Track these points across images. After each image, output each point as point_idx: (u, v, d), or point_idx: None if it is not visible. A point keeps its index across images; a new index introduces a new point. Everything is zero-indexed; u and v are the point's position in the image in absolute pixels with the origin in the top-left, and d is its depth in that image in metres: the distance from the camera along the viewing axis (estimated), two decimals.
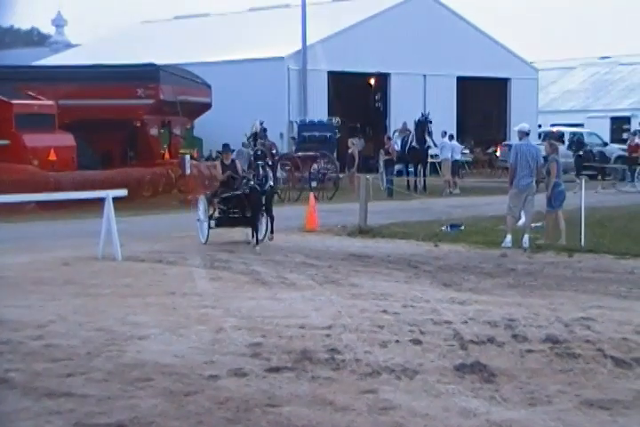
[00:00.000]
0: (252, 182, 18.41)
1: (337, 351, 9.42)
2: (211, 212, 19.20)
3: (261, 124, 35.79)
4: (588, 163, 37.98)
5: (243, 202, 18.81)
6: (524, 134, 18.88)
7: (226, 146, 20.56)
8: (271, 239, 18.89)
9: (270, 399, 7.87)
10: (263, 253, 17.48)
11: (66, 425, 7.25)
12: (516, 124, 47.29)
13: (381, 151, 39.03)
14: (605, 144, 43.89)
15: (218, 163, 20.58)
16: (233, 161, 20.05)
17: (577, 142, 40.15)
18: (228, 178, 19.37)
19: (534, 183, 18.35)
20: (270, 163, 31.47)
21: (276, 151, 34.73)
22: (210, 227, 18.91)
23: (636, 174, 34.43)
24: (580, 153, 38.07)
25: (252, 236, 18.30)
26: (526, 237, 17.98)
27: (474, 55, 47.74)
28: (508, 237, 18.08)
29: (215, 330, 10.57)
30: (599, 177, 38.19)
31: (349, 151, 35.08)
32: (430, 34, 46.32)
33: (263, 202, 18.35)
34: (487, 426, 7.10)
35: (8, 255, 16.94)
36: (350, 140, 36.12)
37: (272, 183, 19.24)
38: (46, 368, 8.97)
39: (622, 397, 7.88)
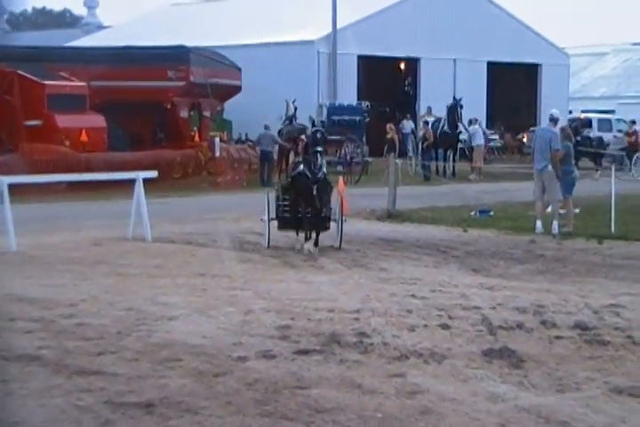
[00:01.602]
0: (302, 168, 15.50)
1: (365, 335, 9.43)
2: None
3: (294, 103, 35.77)
4: (585, 149, 36.88)
5: (291, 194, 16.22)
6: (551, 120, 18.85)
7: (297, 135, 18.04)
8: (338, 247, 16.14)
9: (299, 381, 7.89)
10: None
11: (97, 403, 7.30)
12: (547, 110, 47.15)
13: (410, 136, 38.99)
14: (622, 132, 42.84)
15: (291, 155, 17.91)
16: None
17: (574, 129, 39.07)
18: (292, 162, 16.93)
19: (550, 168, 18.26)
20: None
21: (306, 135, 34.62)
22: (270, 229, 16.25)
23: (633, 162, 33.81)
24: (578, 139, 37.24)
25: (307, 237, 15.56)
26: (555, 223, 17.91)
27: (504, 40, 47.47)
28: (539, 223, 18.03)
29: (244, 312, 10.61)
30: (601, 164, 37.36)
31: (388, 136, 34.83)
32: (460, 18, 46.09)
33: (314, 192, 15.39)
34: (515, 411, 7.09)
35: (40, 235, 17.07)
36: (388, 126, 35.90)
37: (325, 171, 15.75)
38: (77, 346, 9.05)
39: None
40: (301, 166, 15.50)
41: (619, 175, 33.53)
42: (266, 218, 16.12)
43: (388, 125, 36.00)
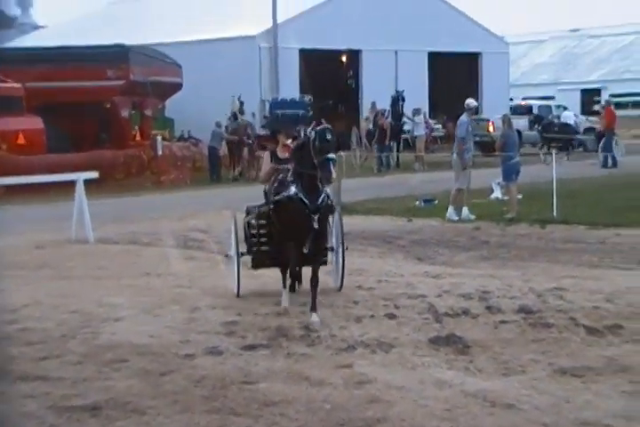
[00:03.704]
0: (294, 190, 10.04)
1: (311, 328, 9.44)
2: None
3: (239, 99, 35.90)
4: (549, 135, 37.22)
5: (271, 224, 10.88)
6: (467, 110, 19.13)
7: (279, 128, 12.42)
8: (338, 289, 11.28)
9: (246, 377, 7.90)
10: None
11: (41, 408, 7.25)
12: (489, 98, 47.76)
13: (354, 129, 39.07)
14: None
15: (266, 155, 11.49)
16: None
17: (536, 116, 39.57)
18: (276, 178, 10.69)
19: (455, 156, 18.91)
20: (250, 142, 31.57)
21: (253, 130, 34.54)
22: (240, 268, 11.28)
23: (614, 144, 33.99)
24: (539, 127, 37.66)
25: (290, 286, 10.94)
26: (450, 208, 18.48)
27: (444, 30, 47.64)
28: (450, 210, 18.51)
29: (190, 309, 10.57)
30: (569, 149, 37.83)
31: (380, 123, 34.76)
32: (400, 9, 46.15)
33: (315, 225, 10.00)
34: (462, 397, 7.15)
35: None
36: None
37: (330, 196, 10.45)
38: (21, 352, 8.96)
39: (594, 364, 7.97)
40: (293, 188, 10.02)
41: (589, 160, 33.90)
42: (233, 253, 11.42)
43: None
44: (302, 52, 43.74)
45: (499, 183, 20.74)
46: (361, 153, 34.99)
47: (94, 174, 17.83)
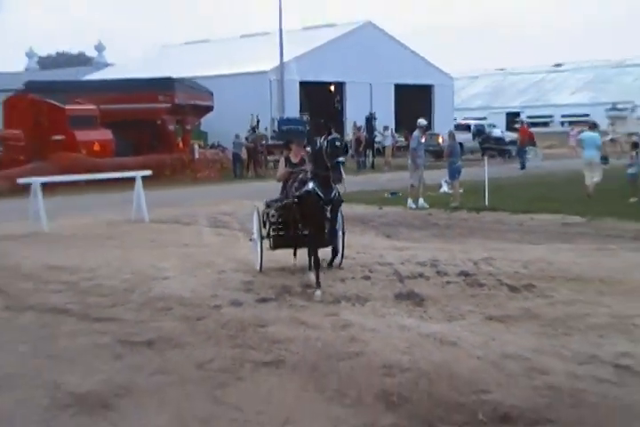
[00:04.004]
0: (311, 186, 9.42)
1: (309, 286, 9.44)
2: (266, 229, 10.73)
3: (257, 117, 35.94)
4: (487, 145, 37.95)
5: (293, 214, 10.15)
6: (418, 127, 19.14)
7: (292, 139, 11.46)
8: (338, 266, 10.47)
9: (260, 321, 7.89)
10: None
11: (111, 341, 7.29)
12: (439, 118, 47.67)
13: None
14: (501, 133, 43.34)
15: (281, 160, 10.83)
16: (304, 160, 10.38)
17: (478, 131, 39.92)
18: (289, 178, 10.26)
19: (410, 161, 19.17)
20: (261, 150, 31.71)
21: (266, 140, 34.53)
22: (262, 248, 10.54)
23: (530, 153, 33.81)
24: (480, 139, 38.26)
25: (317, 282, 9.25)
26: (409, 200, 18.43)
27: (407, 68, 47.67)
28: (409, 201, 18.48)
29: (218, 272, 10.56)
30: (500, 156, 37.81)
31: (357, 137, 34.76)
32: (375, 52, 46.05)
33: (327, 215, 9.50)
34: (419, 337, 7.15)
35: (67, 219, 16.82)
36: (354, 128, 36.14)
37: (341, 190, 9.80)
38: (95, 301, 9.00)
39: (514, 313, 7.97)
40: (311, 184, 9.44)
41: (512, 164, 33.59)
42: (256, 237, 10.81)
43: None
44: (302, 83, 43.77)
45: (446, 181, 20.74)
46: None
47: (148, 172, 17.85)
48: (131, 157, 27.99)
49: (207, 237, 14.27)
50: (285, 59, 42.00)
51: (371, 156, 35.29)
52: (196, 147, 32.27)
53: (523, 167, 30.81)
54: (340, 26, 48.92)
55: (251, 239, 11.19)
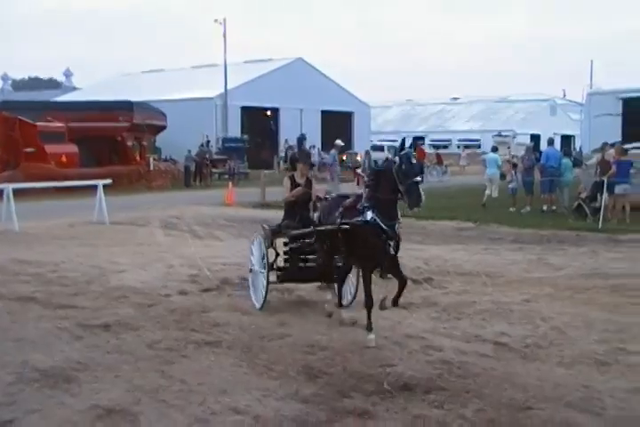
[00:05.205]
0: (371, 215, 6.43)
1: (245, 278, 9.38)
2: (272, 258, 7.96)
3: (207, 136, 36.25)
4: None
5: (335, 242, 6.99)
6: (337, 147, 19.43)
7: (298, 157, 8.56)
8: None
9: (203, 308, 7.84)
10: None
11: (71, 325, 7.12)
12: (359, 140, 48.10)
13: (275, 156, 39.06)
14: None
15: (285, 179, 8.19)
16: (309, 180, 8.05)
17: (395, 150, 40.43)
18: (299, 201, 7.92)
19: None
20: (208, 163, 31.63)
21: (210, 155, 34.34)
22: (269, 282, 7.67)
23: (429, 171, 34.21)
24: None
25: (338, 296, 7.53)
26: None
27: (331, 97, 48.06)
28: None
29: (168, 266, 10.46)
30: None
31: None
32: (304, 83, 46.24)
33: (391, 251, 6.53)
34: (336, 322, 7.12)
35: (35, 220, 16.26)
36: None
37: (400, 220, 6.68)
38: (59, 290, 8.77)
39: (416, 301, 8.07)
40: (370, 212, 6.46)
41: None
42: (257, 268, 7.93)
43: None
44: (243, 108, 43.71)
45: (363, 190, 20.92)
46: (279, 171, 35.04)
47: (109, 181, 17.50)
48: (93, 168, 27.39)
49: (159, 237, 14.05)
50: (229, 87, 42.05)
51: None
52: (152, 160, 31.88)
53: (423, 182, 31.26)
54: (275, 60, 48.98)
55: (251, 270, 8.13)
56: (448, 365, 5.82)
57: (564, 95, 67.00)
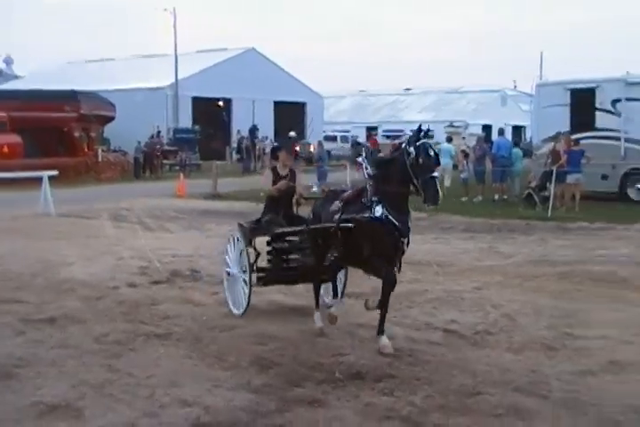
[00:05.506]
0: (381, 211, 5.78)
1: (195, 270, 9.34)
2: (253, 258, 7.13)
3: (158, 127, 35.71)
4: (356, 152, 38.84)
5: (331, 241, 6.31)
6: (289, 138, 19.41)
7: (280, 146, 8.36)
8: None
9: (153, 301, 7.76)
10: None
11: (14, 320, 6.94)
12: (312, 131, 48.13)
13: (227, 147, 38.83)
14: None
15: (267, 170, 7.62)
16: (293, 172, 7.36)
17: (353, 142, 40.76)
18: (282, 195, 7.18)
19: None
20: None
21: (161, 146, 33.89)
22: (251, 285, 6.98)
23: None
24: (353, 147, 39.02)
25: (334, 295, 6.99)
26: None
27: (284, 88, 47.87)
28: None
29: (117, 258, 10.30)
30: None
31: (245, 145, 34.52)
32: (257, 74, 45.87)
33: (404, 248, 5.94)
34: (287, 311, 7.12)
35: None
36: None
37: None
38: (1, 285, 8.53)
39: (367, 291, 7.97)
40: (379, 207, 5.84)
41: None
42: (236, 271, 7.24)
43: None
44: (194, 98, 43.24)
45: (316, 183, 20.87)
46: (232, 162, 34.84)
47: (55, 172, 17.13)
48: (38, 159, 26.70)
49: (108, 230, 13.81)
50: (181, 77, 41.53)
51: (254, 160, 35.25)
52: (100, 151, 31.28)
53: None
54: (228, 50, 48.41)
55: (229, 273, 7.35)
56: (399, 353, 5.87)
57: (515, 86, 67.99)
